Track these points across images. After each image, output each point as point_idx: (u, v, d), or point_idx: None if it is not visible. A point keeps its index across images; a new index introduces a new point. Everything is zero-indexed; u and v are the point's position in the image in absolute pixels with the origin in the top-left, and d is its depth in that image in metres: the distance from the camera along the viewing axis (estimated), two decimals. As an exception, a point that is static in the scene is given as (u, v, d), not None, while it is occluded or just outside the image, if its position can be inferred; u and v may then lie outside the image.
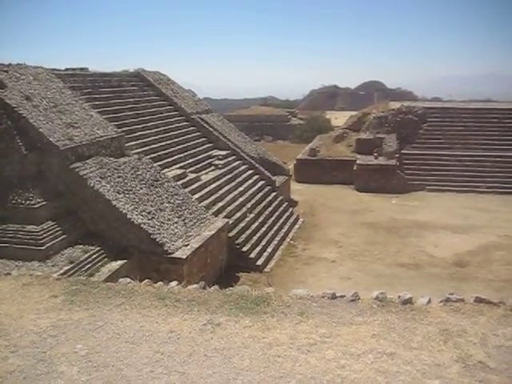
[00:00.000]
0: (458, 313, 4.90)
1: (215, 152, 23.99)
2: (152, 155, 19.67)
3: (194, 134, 24.79)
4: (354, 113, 43.42)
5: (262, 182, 23.90)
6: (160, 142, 21.31)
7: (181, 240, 15.08)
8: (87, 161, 15.79)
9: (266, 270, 17.38)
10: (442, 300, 5.22)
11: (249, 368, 4.03)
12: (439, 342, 4.34)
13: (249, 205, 20.82)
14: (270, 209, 22.14)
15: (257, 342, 4.36)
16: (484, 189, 29.46)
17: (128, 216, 14.70)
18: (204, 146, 24.16)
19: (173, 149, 21.62)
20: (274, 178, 25.22)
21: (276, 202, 23.20)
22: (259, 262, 17.52)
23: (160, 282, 5.96)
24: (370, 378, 3.86)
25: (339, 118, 58.21)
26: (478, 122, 34.09)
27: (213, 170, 21.93)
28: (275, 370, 4.01)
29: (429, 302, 5.23)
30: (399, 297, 5.26)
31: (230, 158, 23.88)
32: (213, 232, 16.07)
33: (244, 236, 18.37)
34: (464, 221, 23.56)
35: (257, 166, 25.06)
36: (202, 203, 18.26)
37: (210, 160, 22.94)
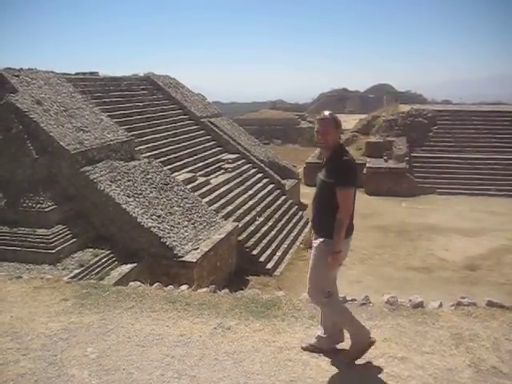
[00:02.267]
0: (470, 317, 4.86)
1: (225, 155, 24.03)
2: (162, 159, 19.73)
3: (203, 138, 24.84)
4: (363, 116, 43.32)
5: (271, 186, 23.89)
6: (170, 146, 21.38)
7: (191, 243, 15.10)
8: (97, 164, 15.87)
9: (275, 273, 17.35)
10: (454, 304, 5.18)
11: (259, 372, 4.02)
12: (451, 347, 4.30)
13: (258, 208, 20.81)
14: (280, 212, 22.12)
15: (267, 345, 4.35)
16: (495, 192, 29.24)
17: (138, 219, 14.74)
18: (213, 150, 24.21)
19: (182, 152, 21.67)
20: (283, 181, 25.20)
21: (285, 206, 23.18)
22: (269, 266, 17.49)
23: (170, 286, 5.96)
24: (381, 383, 3.84)
25: (349, 122, 57.96)
26: (489, 124, 33.89)
27: (222, 174, 21.96)
28: (286, 373, 3.99)
29: (440, 305, 5.19)
30: (410, 300, 5.22)
31: (239, 162, 23.90)
32: (222, 236, 16.07)
33: (253, 239, 18.35)
34: (475, 224, 23.39)
35: (266, 169, 25.06)
36: (211, 207, 18.28)
37: (219, 163, 22.97)
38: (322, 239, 4.08)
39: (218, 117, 28.26)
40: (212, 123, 26.44)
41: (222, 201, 19.71)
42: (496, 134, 33.17)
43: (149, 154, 19.35)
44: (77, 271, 13.01)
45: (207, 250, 15.00)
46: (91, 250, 14.36)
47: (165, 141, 21.50)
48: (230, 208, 19.46)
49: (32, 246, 13.73)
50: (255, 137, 32.05)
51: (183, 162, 21.09)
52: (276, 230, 20.41)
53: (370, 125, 36.81)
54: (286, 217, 22.29)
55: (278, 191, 24.00)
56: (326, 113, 4.11)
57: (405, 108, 36.89)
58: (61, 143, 15.37)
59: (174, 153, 21.20)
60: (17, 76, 17.25)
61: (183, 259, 14.35)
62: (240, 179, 22.23)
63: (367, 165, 31.27)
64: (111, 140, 17.35)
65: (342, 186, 3.93)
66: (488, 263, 18.40)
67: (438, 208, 26.76)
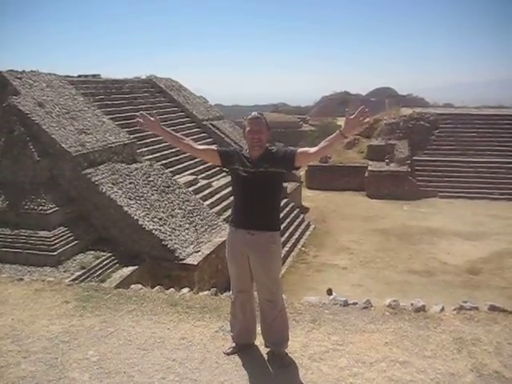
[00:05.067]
0: (472, 321, 4.84)
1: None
2: (163, 161, 19.75)
3: (205, 141, 24.83)
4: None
5: (273, 189, 23.84)
6: (171, 149, 21.38)
7: (192, 246, 15.10)
8: (99, 167, 15.90)
9: (277, 276, 17.31)
10: (456, 308, 5.16)
11: (260, 375, 4.01)
12: (453, 351, 4.29)
13: (260, 211, 20.76)
14: (281, 215, 22.09)
15: (268, 349, 4.33)
16: (497, 195, 29.20)
17: (139, 222, 14.75)
18: (215, 153, 24.21)
19: (184, 155, 21.68)
20: (285, 184, 25.18)
21: (287, 209, 23.16)
22: (270, 269, 17.45)
23: (171, 289, 5.94)
24: (382, 387, 3.83)
25: (350, 125, 58.04)
26: (491, 128, 33.84)
27: (224, 176, 21.95)
28: (287, 377, 3.98)
29: (442, 309, 5.17)
30: (412, 304, 5.20)
31: (241, 165, 23.87)
32: (224, 238, 15.99)
33: (255, 242, 18.30)
34: (477, 228, 23.36)
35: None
36: (213, 209, 18.28)
37: (221, 166, 22.97)
38: (267, 233, 4.06)
39: (219, 119, 28.29)
40: (214, 126, 26.47)
41: (224, 203, 19.70)
42: (498, 137, 33.13)
43: (150, 156, 19.37)
44: (78, 273, 13.02)
45: (208, 252, 15.00)
46: (93, 252, 14.37)
47: (166, 143, 21.51)
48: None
49: (33, 248, 13.75)
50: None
51: (185, 164, 21.10)
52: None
53: (371, 128, 36.79)
54: (288, 220, 22.27)
55: (280, 194, 23.96)
56: (255, 113, 4.11)
57: (407, 111, 36.87)
58: (63, 145, 15.39)
59: (176, 155, 21.20)
60: (19, 78, 17.29)
61: (184, 262, 14.35)
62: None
63: (369, 168, 31.26)
64: (113, 142, 17.37)
65: (297, 150, 4.03)
66: (490, 267, 18.36)
67: (439, 211, 26.73)
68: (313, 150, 3.98)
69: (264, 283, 4.14)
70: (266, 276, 4.10)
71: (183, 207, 16.84)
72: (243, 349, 4.32)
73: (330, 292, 13.11)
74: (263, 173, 3.96)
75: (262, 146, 4.04)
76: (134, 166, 17.36)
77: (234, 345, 4.35)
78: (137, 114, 4.50)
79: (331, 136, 3.92)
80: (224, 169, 3.99)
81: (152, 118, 4.21)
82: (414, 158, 32.30)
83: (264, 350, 4.27)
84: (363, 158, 33.25)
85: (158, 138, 21.34)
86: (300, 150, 4.04)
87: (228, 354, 4.27)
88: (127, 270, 13.86)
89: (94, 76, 24.15)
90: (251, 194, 4.03)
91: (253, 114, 4.10)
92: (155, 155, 19.80)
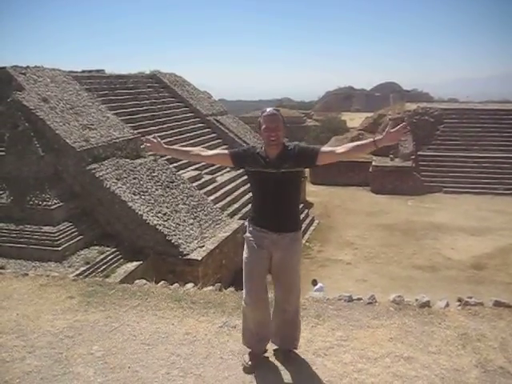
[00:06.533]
0: (477, 317, 4.82)
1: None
2: (167, 157, 19.73)
3: (209, 136, 24.87)
4: (369, 114, 43.25)
5: (277, 184, 23.85)
6: (175, 144, 21.37)
7: (196, 241, 15.11)
8: (103, 162, 15.90)
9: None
10: (460, 303, 5.15)
11: (265, 371, 4.00)
12: (458, 347, 4.27)
13: (264, 206, 20.78)
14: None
15: (273, 344, 4.33)
16: (502, 191, 29.14)
17: (144, 217, 14.76)
18: (219, 148, 24.20)
19: (188, 150, 21.67)
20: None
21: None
22: (274, 264, 17.46)
23: (176, 284, 5.95)
24: (387, 383, 3.81)
25: (355, 120, 58.03)
26: (496, 123, 33.74)
27: (228, 172, 21.95)
28: (292, 373, 3.98)
29: (447, 305, 5.15)
30: (416, 300, 5.19)
31: (245, 160, 23.88)
32: (228, 233, 16.07)
33: (259, 237, 18.31)
34: (481, 223, 23.32)
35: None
36: (217, 204, 18.28)
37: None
38: (292, 233, 4.01)
39: (223, 114, 28.25)
40: (218, 121, 26.44)
41: (228, 199, 19.71)
42: (503, 132, 33.03)
43: (155, 151, 19.36)
44: (83, 269, 13.05)
45: (212, 247, 15.01)
46: (97, 247, 14.40)
47: (170, 139, 21.48)
48: (235, 206, 19.46)
49: (38, 244, 13.78)
50: (261, 135, 31.98)
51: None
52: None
53: (376, 123, 36.74)
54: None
55: (284, 189, 23.96)
56: (271, 109, 3.91)
57: (411, 106, 36.78)
58: (67, 141, 15.40)
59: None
60: (23, 74, 17.31)
61: (188, 257, 14.36)
62: (246, 177, 22.21)
63: (373, 163, 31.23)
64: (117, 138, 17.37)
65: (320, 148, 3.91)
66: (494, 262, 18.33)
67: (444, 207, 26.68)
68: (340, 150, 3.84)
69: (285, 281, 4.06)
70: (289, 274, 4.05)
71: (187, 202, 16.84)
72: (259, 356, 4.10)
73: (314, 282, 13.23)
74: (284, 174, 3.79)
75: (279, 144, 3.84)
76: (138, 161, 17.36)
77: (249, 352, 4.10)
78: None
79: (363, 142, 3.84)
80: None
81: (155, 140, 4.13)
82: (419, 153, 32.25)
83: (269, 346, 4.26)
84: (367, 154, 33.15)
85: (162, 134, 21.34)
86: (324, 148, 3.92)
87: (248, 366, 4.00)
88: (131, 266, 13.88)
89: (98, 71, 24.15)
90: (274, 196, 3.86)
91: (268, 110, 3.89)
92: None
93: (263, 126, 3.82)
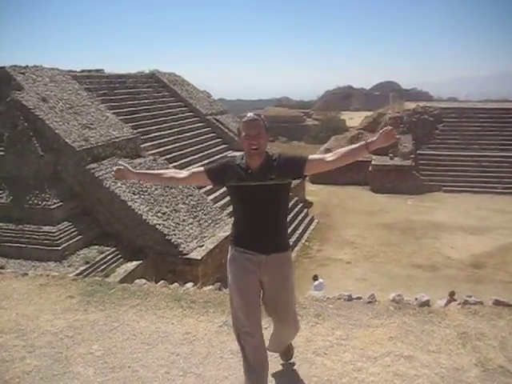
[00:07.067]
0: (477, 316, 4.83)
1: (230, 153, 23.98)
2: (167, 156, 19.75)
3: (208, 135, 24.86)
4: (369, 113, 43.25)
5: (276, 183, 23.83)
6: (175, 143, 21.39)
7: (196, 241, 15.11)
8: (103, 162, 15.91)
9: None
10: (460, 302, 5.15)
11: (264, 370, 4.00)
12: (458, 346, 4.28)
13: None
14: (285, 210, 22.08)
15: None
16: (501, 189, 29.13)
17: (143, 217, 14.77)
18: (219, 147, 24.22)
19: (188, 150, 21.69)
20: (288, 179, 25.15)
21: (291, 203, 23.14)
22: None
23: (175, 283, 5.95)
24: (387, 382, 3.81)
25: (354, 119, 58.03)
26: (495, 122, 33.75)
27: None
28: (292, 372, 3.98)
29: (446, 304, 5.17)
30: (416, 299, 5.19)
31: (244, 159, 23.87)
32: (228, 233, 16.05)
33: (259, 237, 18.31)
34: (480, 222, 23.32)
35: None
36: (216, 204, 18.28)
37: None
38: (282, 253, 3.53)
39: (223, 114, 28.23)
40: (217, 120, 26.43)
41: (228, 198, 19.69)
42: (502, 131, 33.03)
43: (154, 151, 19.37)
44: (82, 268, 13.05)
45: (212, 247, 15.01)
46: (97, 247, 14.40)
47: (170, 138, 21.51)
48: (235, 205, 19.45)
49: (38, 243, 13.78)
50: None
51: (188, 159, 21.08)
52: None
53: (375, 122, 36.72)
54: (291, 214, 22.26)
55: (284, 188, 23.95)
56: (251, 114, 3.46)
57: (410, 105, 36.79)
58: (66, 140, 15.40)
59: (180, 150, 21.20)
60: (23, 73, 17.30)
61: (188, 256, 14.37)
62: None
63: (373, 162, 31.21)
64: (117, 137, 17.37)
65: (307, 157, 3.45)
66: (494, 261, 18.34)
67: (443, 206, 26.69)
68: (330, 157, 3.44)
69: (279, 305, 3.60)
70: (283, 297, 3.58)
71: (187, 202, 16.84)
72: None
73: (315, 277, 13.33)
74: (269, 186, 3.35)
75: (262, 153, 3.38)
76: (138, 160, 17.36)
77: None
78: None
79: (354, 146, 3.50)
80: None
81: (121, 167, 3.59)
82: (418, 152, 32.24)
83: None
84: (367, 153, 33.14)
85: (161, 133, 21.34)
86: (313, 156, 3.50)
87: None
88: (131, 265, 13.88)
89: (97, 71, 24.13)
90: (259, 213, 3.41)
91: (248, 115, 3.43)
92: (159, 150, 19.79)
93: (243, 134, 3.37)
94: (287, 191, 3.53)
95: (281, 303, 3.58)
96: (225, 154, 23.69)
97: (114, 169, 3.60)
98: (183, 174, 3.67)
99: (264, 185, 3.34)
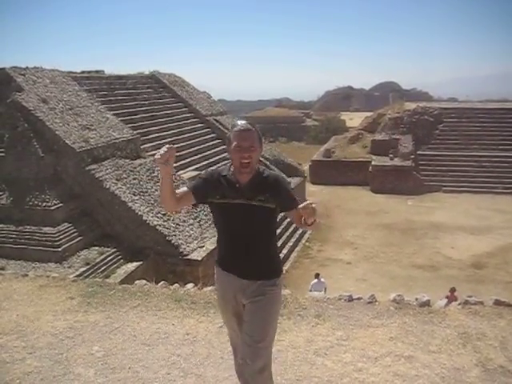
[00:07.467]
0: (477, 316, 4.83)
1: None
2: (167, 157, 19.72)
3: (208, 136, 24.84)
4: (369, 114, 43.23)
5: (276, 184, 23.82)
6: (175, 144, 21.28)
7: (196, 242, 15.11)
8: (103, 163, 15.90)
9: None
10: (461, 303, 5.15)
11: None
12: (458, 346, 4.28)
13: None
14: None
15: (273, 344, 4.33)
16: (501, 190, 29.11)
17: (143, 218, 14.76)
18: (219, 148, 24.18)
19: (188, 151, 21.67)
20: (289, 179, 25.12)
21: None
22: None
23: (176, 284, 5.95)
24: (387, 382, 3.81)
25: (354, 119, 58.00)
26: (495, 122, 33.72)
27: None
28: (292, 373, 3.98)
29: (447, 301, 5.17)
30: (417, 299, 5.19)
31: (244, 160, 23.85)
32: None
33: (259, 237, 18.31)
34: (481, 222, 23.31)
35: (272, 167, 24.99)
36: (217, 204, 18.25)
37: (224, 162, 22.95)
38: (267, 281, 3.13)
39: (223, 115, 28.22)
40: (217, 121, 26.42)
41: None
42: (502, 131, 33.01)
43: (154, 152, 19.34)
44: (83, 269, 13.05)
45: (213, 248, 14.98)
46: (97, 248, 14.40)
47: (170, 139, 21.47)
48: (235, 206, 19.44)
49: (38, 245, 13.77)
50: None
51: (188, 160, 21.08)
52: (282, 227, 20.38)
53: (375, 123, 36.71)
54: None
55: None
56: (244, 123, 3.05)
57: (410, 106, 36.77)
58: (66, 141, 15.40)
59: (180, 151, 21.15)
60: (23, 74, 17.30)
61: (188, 257, 14.36)
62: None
63: (373, 163, 31.21)
64: (117, 138, 17.37)
65: (298, 204, 3.02)
66: (494, 261, 18.33)
67: (443, 206, 26.67)
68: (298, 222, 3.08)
69: (251, 339, 3.11)
70: (256, 331, 3.11)
71: (187, 203, 16.83)
72: None
73: (317, 276, 13.32)
74: (257, 207, 3.01)
75: (253, 168, 3.03)
76: (138, 161, 17.36)
77: None
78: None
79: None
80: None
81: (173, 147, 3.26)
82: (418, 152, 32.23)
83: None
84: (367, 153, 33.17)
85: (161, 134, 21.33)
86: (299, 207, 2.95)
87: None
88: (131, 266, 13.88)
89: (97, 72, 24.12)
90: (242, 233, 3.08)
91: (241, 124, 3.04)
92: (159, 151, 19.79)
93: (234, 144, 2.99)
94: (276, 215, 3.14)
95: (255, 329, 3.12)
96: (224, 154, 23.69)
97: (165, 148, 3.18)
98: (177, 196, 3.20)
99: (250, 204, 3.01)
